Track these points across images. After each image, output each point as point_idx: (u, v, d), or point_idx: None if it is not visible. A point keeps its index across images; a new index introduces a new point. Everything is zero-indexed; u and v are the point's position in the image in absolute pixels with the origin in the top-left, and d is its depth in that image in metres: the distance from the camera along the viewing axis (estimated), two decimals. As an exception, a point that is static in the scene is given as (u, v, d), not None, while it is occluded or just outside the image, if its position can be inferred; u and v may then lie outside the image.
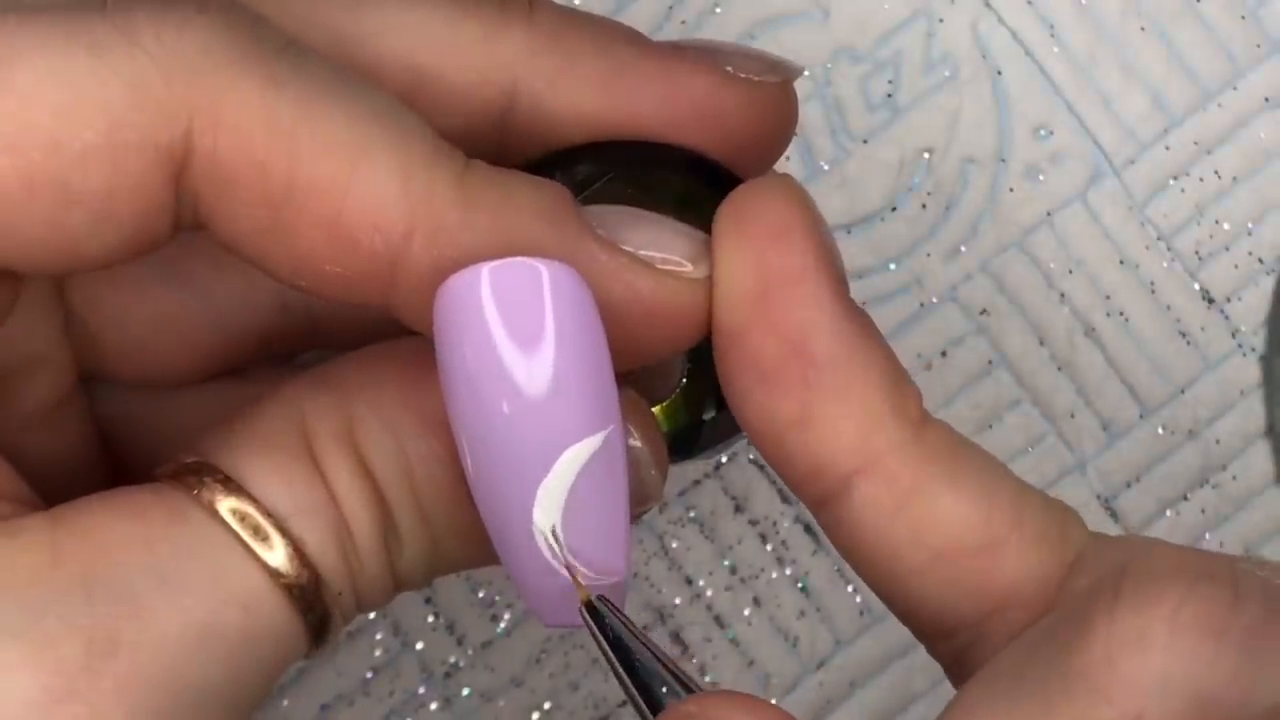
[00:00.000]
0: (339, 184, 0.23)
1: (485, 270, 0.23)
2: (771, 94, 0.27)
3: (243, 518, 0.24)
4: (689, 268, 0.25)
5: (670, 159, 0.27)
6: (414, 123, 0.24)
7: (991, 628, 0.24)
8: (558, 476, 0.23)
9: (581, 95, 0.26)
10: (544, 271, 0.23)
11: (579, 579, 0.24)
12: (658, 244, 0.25)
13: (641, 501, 0.26)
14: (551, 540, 0.24)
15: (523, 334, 0.23)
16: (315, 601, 0.24)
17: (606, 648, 0.24)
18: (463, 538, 0.26)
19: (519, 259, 0.23)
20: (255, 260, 0.24)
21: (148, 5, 0.23)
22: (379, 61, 0.26)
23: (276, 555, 0.24)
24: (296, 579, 0.24)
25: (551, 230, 0.24)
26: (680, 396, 0.29)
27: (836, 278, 0.24)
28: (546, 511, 0.24)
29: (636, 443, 0.26)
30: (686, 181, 0.27)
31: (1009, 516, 0.24)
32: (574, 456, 0.23)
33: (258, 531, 0.24)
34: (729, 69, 0.27)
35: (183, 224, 0.24)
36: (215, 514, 0.24)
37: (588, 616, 0.24)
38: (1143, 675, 0.21)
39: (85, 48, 0.22)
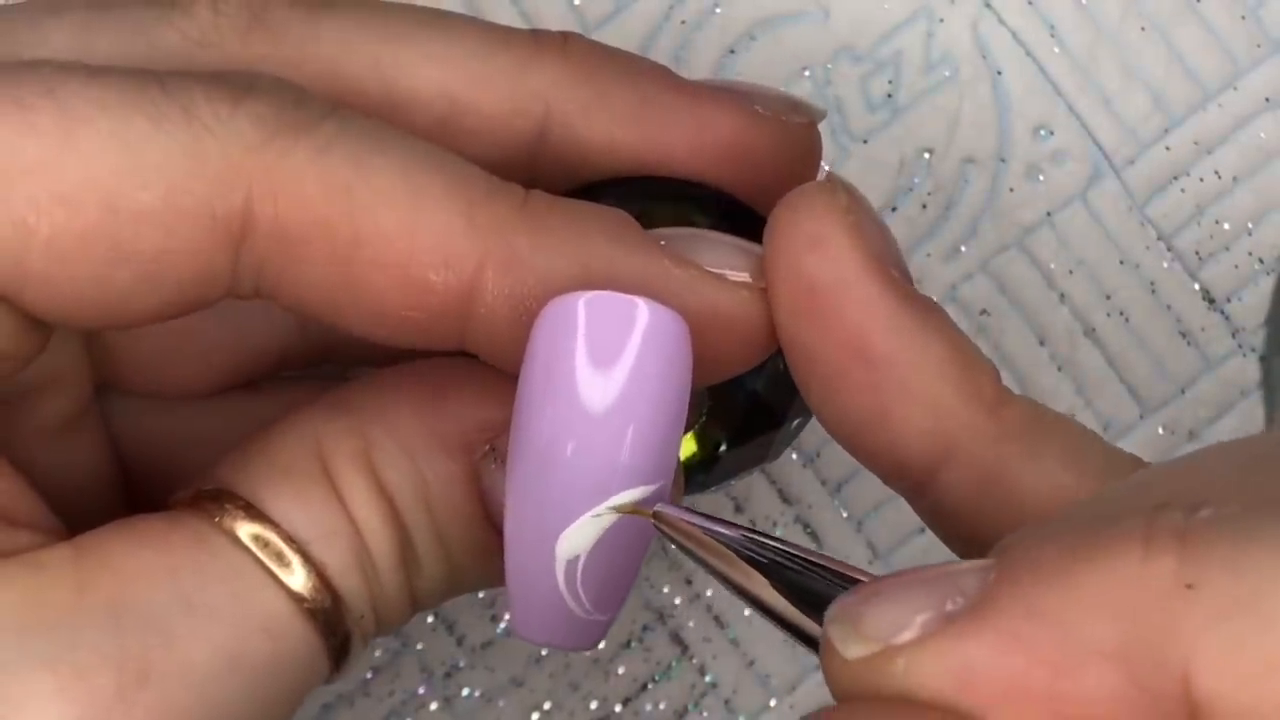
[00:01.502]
0: (404, 228, 0.23)
1: (582, 300, 0.23)
2: (797, 134, 0.28)
3: (265, 544, 0.24)
4: (756, 281, 0.25)
5: (698, 196, 0.27)
6: (465, 163, 0.24)
7: None
8: (604, 512, 0.24)
9: (612, 128, 0.27)
10: (643, 309, 0.23)
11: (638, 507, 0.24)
12: (724, 260, 0.25)
13: None
14: (564, 568, 0.24)
15: (606, 364, 0.23)
16: (337, 625, 0.24)
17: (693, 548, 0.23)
18: (479, 558, 0.26)
19: (625, 296, 0.23)
20: (331, 319, 0.24)
21: (203, 82, 0.23)
22: (415, 92, 0.26)
23: (299, 580, 0.24)
24: (319, 603, 0.24)
25: (624, 249, 0.24)
26: (699, 430, 0.29)
27: (886, 274, 0.24)
28: (574, 541, 0.24)
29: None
30: (712, 222, 0.27)
31: (1099, 486, 0.24)
32: (625, 499, 0.24)
33: (280, 557, 0.24)
34: (757, 108, 0.27)
35: (239, 293, 0.24)
36: (237, 540, 0.24)
37: (661, 526, 0.24)
38: None
39: (146, 116, 0.22)
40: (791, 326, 0.24)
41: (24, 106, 0.22)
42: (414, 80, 0.26)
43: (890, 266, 0.24)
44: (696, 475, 0.29)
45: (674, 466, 0.24)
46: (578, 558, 0.24)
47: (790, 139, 0.28)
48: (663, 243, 0.24)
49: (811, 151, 0.28)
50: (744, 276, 0.25)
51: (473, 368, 0.25)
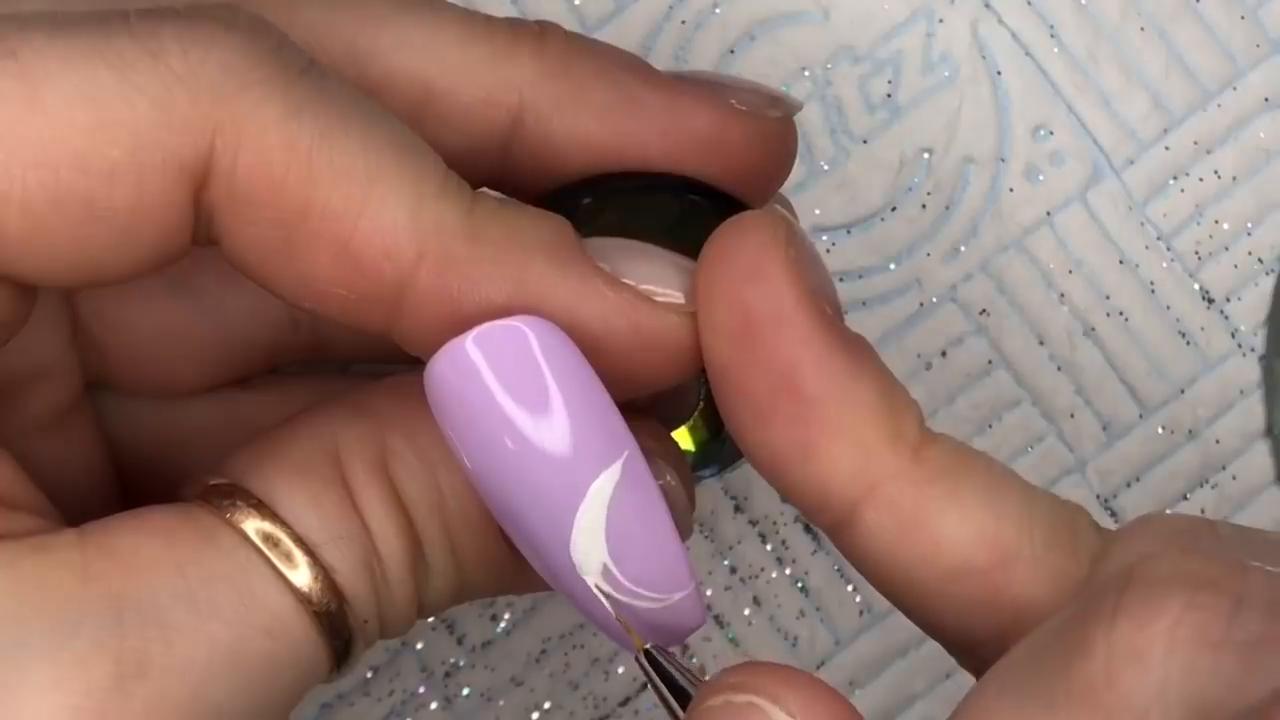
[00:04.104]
0: (352, 210, 0.23)
1: (469, 338, 0.23)
2: (773, 128, 0.28)
3: (275, 543, 0.24)
4: (685, 302, 0.25)
5: (670, 184, 0.27)
6: (426, 153, 0.24)
7: (1013, 639, 0.24)
8: (590, 516, 0.24)
9: (586, 121, 0.27)
10: (528, 332, 0.23)
11: (631, 628, 0.24)
12: (657, 278, 0.25)
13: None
14: (602, 583, 0.24)
15: (526, 394, 0.23)
16: (341, 627, 0.24)
17: (667, 695, 0.24)
18: (490, 570, 0.26)
19: (500, 322, 0.23)
20: (262, 280, 0.24)
21: (174, 21, 0.23)
22: (390, 76, 0.26)
23: (306, 581, 0.24)
24: (325, 606, 0.24)
25: (556, 267, 0.24)
26: (700, 415, 0.29)
27: (821, 311, 0.24)
28: (588, 554, 0.24)
29: (672, 480, 0.26)
30: (683, 205, 0.27)
31: (1017, 528, 0.24)
32: (598, 492, 0.24)
33: (289, 558, 0.24)
34: (733, 102, 0.27)
35: (198, 239, 0.24)
36: (246, 538, 0.24)
37: (645, 664, 0.24)
38: (1141, 692, 0.21)
39: (112, 67, 0.22)
40: (721, 352, 0.24)
41: None
42: (389, 65, 0.26)
43: (825, 303, 0.25)
44: (709, 459, 0.29)
45: (625, 430, 0.24)
46: (605, 565, 0.24)
47: (764, 132, 0.27)
48: (601, 263, 0.25)
49: (787, 146, 0.28)
50: (676, 297, 0.25)
51: None
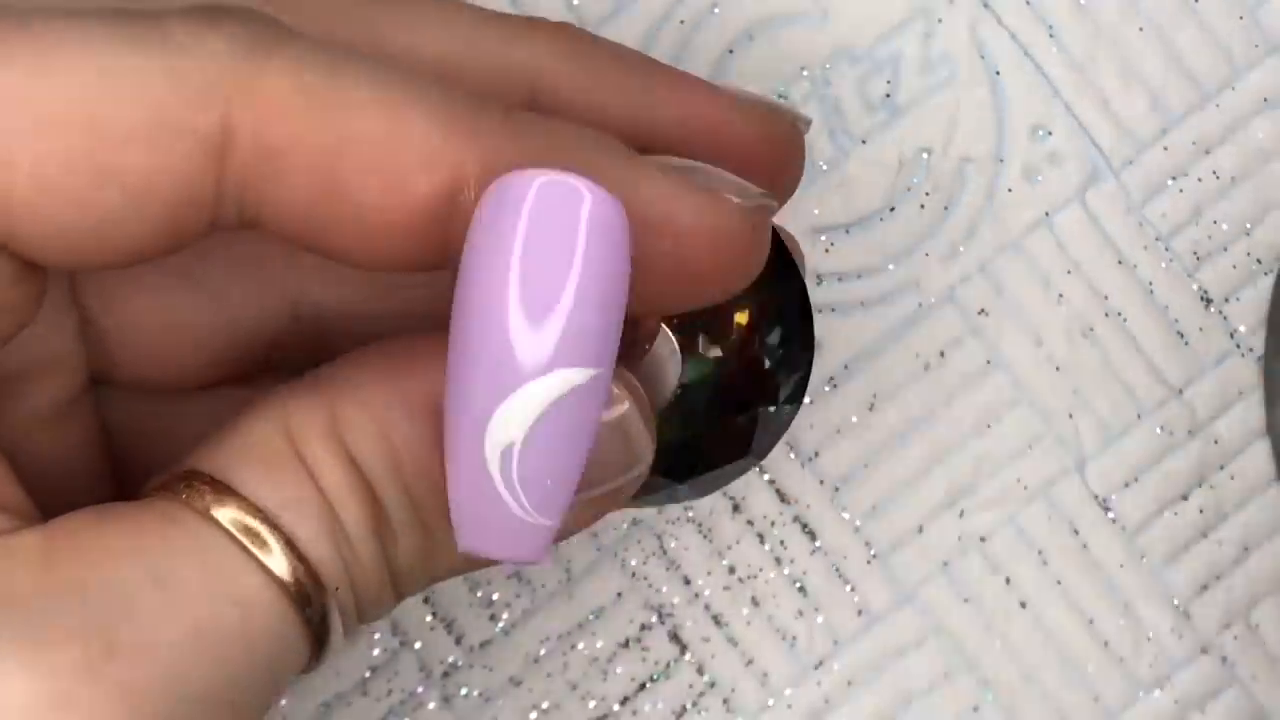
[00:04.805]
0: (385, 133, 0.23)
1: (535, 182, 0.22)
2: (785, 131, 0.28)
3: (233, 518, 0.24)
4: (744, 200, 0.25)
5: None
6: (445, 85, 0.24)
7: None
8: (537, 392, 0.23)
9: (602, 105, 0.27)
10: (587, 196, 0.22)
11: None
12: (713, 183, 0.25)
13: (630, 463, 0.26)
14: (499, 459, 0.23)
15: (547, 255, 0.22)
16: (313, 599, 0.24)
17: None
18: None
19: (568, 178, 0.22)
20: (314, 239, 0.24)
21: (176, 11, 0.23)
22: (406, 54, 0.26)
23: (269, 552, 0.24)
24: (292, 576, 0.24)
25: (607, 152, 0.24)
26: (671, 411, 0.29)
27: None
28: (506, 427, 0.23)
29: (625, 404, 0.25)
30: None
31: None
32: (560, 380, 0.23)
33: (248, 530, 0.24)
34: (747, 101, 0.27)
35: (225, 221, 0.24)
36: (205, 516, 0.24)
37: None
38: None
39: (122, 39, 0.23)
40: None
41: None
42: (406, 41, 0.26)
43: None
44: (681, 478, 0.29)
45: (614, 353, 0.23)
46: (511, 446, 0.23)
47: (776, 135, 0.28)
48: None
49: (797, 153, 0.28)
50: (732, 198, 0.25)
51: (436, 335, 0.25)
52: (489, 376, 0.23)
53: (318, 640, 0.24)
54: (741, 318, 0.29)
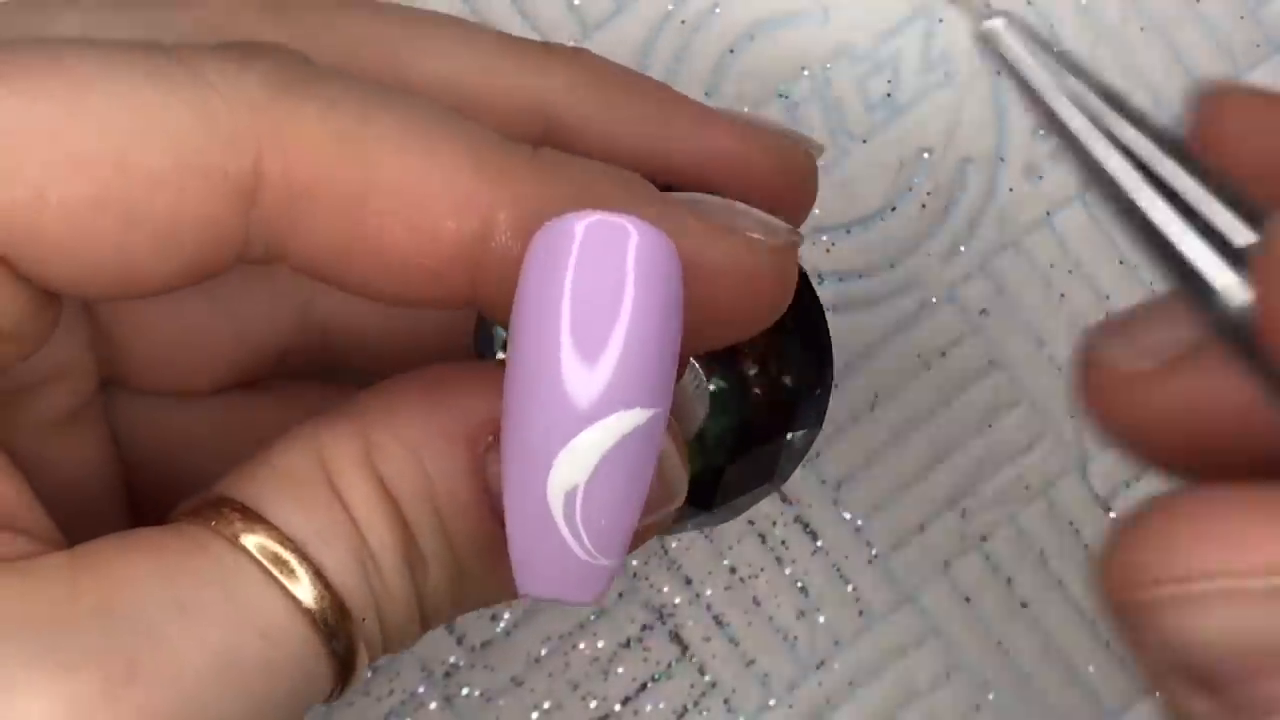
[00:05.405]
0: (414, 176, 0.23)
1: (581, 224, 0.22)
2: (797, 159, 0.28)
3: (262, 545, 0.23)
4: (770, 239, 0.25)
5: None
6: (473, 122, 0.24)
7: None
8: (599, 434, 0.23)
9: (618, 135, 0.27)
10: (633, 233, 0.22)
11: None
12: (742, 223, 0.25)
13: (669, 498, 0.26)
14: (563, 501, 0.23)
15: (597, 294, 0.22)
16: (339, 629, 0.24)
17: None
18: (485, 556, 0.25)
19: (613, 217, 0.22)
20: (341, 278, 0.24)
21: (209, 50, 0.23)
22: (426, 84, 0.26)
23: (297, 581, 0.23)
24: (319, 605, 0.23)
25: (635, 196, 0.24)
26: (698, 442, 0.29)
27: None
28: (570, 469, 0.23)
29: (666, 440, 0.25)
30: None
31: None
32: (621, 422, 0.23)
33: (276, 558, 0.23)
34: (760, 131, 0.28)
35: (249, 257, 0.24)
36: (234, 543, 0.23)
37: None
38: None
39: (154, 79, 0.22)
40: None
41: (32, 74, 0.22)
42: (425, 70, 0.26)
43: None
44: (704, 502, 0.29)
45: (670, 394, 0.23)
46: (575, 488, 0.23)
47: (789, 164, 0.28)
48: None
49: (810, 181, 0.28)
50: (760, 237, 0.25)
51: (472, 365, 0.25)
52: (546, 417, 0.23)
53: (343, 670, 0.24)
54: (765, 350, 0.29)
